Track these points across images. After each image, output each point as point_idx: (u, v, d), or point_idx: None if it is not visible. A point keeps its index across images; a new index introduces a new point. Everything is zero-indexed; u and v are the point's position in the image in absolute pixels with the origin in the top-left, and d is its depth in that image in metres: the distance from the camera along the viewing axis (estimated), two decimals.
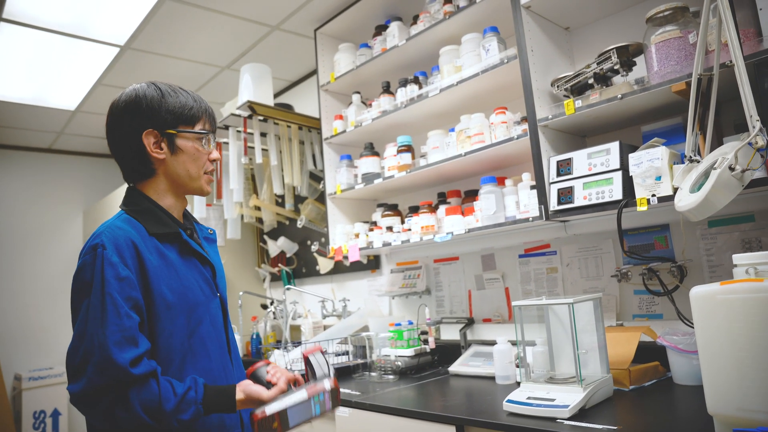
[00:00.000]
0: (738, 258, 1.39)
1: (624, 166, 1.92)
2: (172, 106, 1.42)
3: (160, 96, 1.42)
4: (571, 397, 1.68)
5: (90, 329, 1.22)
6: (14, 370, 5.14)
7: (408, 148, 2.84)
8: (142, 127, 1.39)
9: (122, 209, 1.43)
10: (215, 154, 1.52)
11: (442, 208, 2.64)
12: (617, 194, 1.90)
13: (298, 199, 3.95)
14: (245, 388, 1.36)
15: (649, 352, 2.04)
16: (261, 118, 3.49)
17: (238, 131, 3.60)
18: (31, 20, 3.22)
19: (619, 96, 1.91)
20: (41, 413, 4.96)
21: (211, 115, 1.52)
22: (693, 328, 1.42)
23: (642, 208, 1.82)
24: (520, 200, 2.33)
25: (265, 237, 4.36)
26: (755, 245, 1.93)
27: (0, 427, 4.55)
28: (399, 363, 2.63)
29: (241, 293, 3.95)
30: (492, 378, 2.32)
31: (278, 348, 3.05)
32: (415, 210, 2.83)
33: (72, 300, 1.29)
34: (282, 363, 2.84)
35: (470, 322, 2.82)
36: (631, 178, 1.87)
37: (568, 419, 1.62)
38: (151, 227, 1.39)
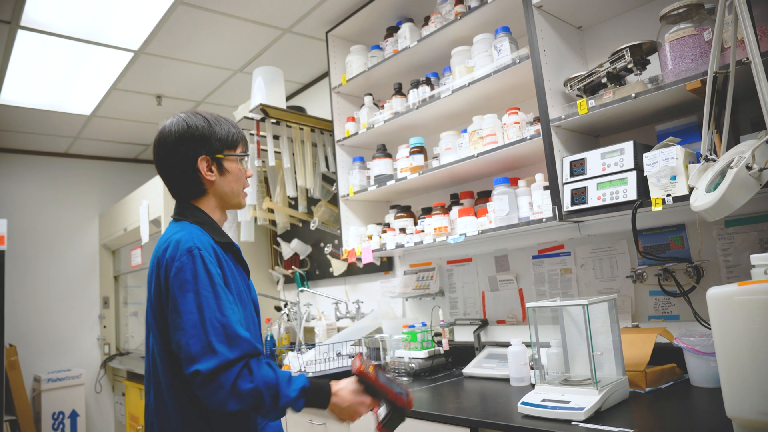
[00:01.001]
0: (756, 258, 1.37)
1: (638, 166, 1.90)
2: (219, 133, 1.58)
3: (208, 125, 1.57)
4: (587, 400, 1.67)
5: (207, 316, 1.33)
6: (34, 371, 5.20)
7: (420, 150, 2.83)
8: (197, 153, 1.54)
9: (184, 220, 1.54)
10: (250, 172, 1.68)
11: (455, 210, 2.63)
12: (632, 194, 1.88)
13: (311, 202, 3.95)
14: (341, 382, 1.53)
15: (666, 354, 2.02)
16: (273, 120, 3.50)
17: (251, 134, 3.61)
18: (48, 27, 3.27)
19: (633, 95, 1.89)
20: (60, 414, 5.02)
21: (245, 139, 1.68)
22: (710, 329, 1.40)
23: (657, 208, 1.80)
24: (533, 201, 2.32)
25: (279, 239, 4.37)
26: None
27: (21, 427, 4.62)
28: (413, 365, 2.62)
29: None
30: (506, 380, 2.31)
31: (292, 350, 3.06)
32: (428, 211, 2.82)
33: (174, 297, 1.36)
34: (296, 365, 2.85)
35: (484, 324, 2.81)
36: (645, 177, 1.86)
37: (584, 422, 1.61)
38: (215, 237, 1.53)
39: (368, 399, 1.50)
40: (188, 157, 1.54)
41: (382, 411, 1.52)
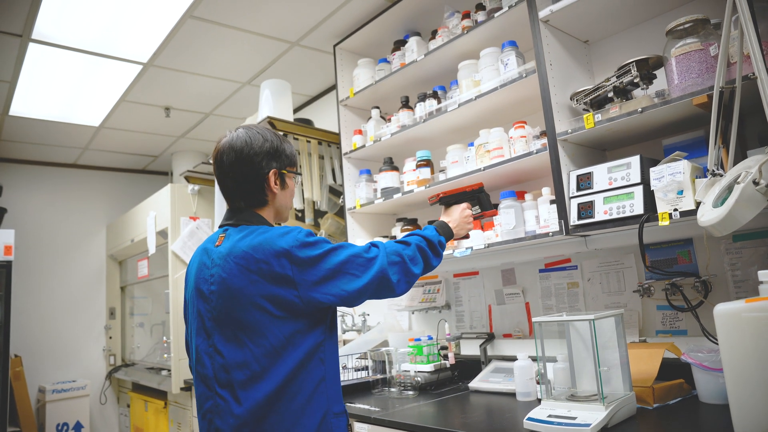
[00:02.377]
0: (763, 274, 1.36)
1: (645, 180, 1.90)
2: (288, 151, 1.73)
3: (279, 142, 1.71)
4: (593, 416, 1.65)
5: (352, 251, 1.58)
6: (38, 382, 5.21)
7: (427, 163, 2.84)
8: (270, 166, 1.67)
9: (252, 225, 1.64)
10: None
11: None
12: (638, 209, 1.87)
13: (318, 214, 3.96)
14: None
15: (674, 369, 2.00)
16: (281, 133, 3.51)
17: None
18: (58, 40, 3.31)
19: (640, 109, 1.89)
20: (64, 425, 5.02)
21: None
22: (718, 345, 1.39)
23: (664, 222, 1.80)
24: (540, 215, 2.32)
25: None
26: None
27: None
28: (419, 378, 2.61)
29: None
30: (513, 394, 2.30)
31: None
32: None
33: (313, 265, 1.53)
34: None
35: (490, 338, 2.80)
36: (652, 192, 1.85)
37: None
38: None
39: (464, 205, 2.03)
40: (262, 168, 1.66)
41: (476, 209, 2.10)
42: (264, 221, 1.68)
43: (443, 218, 1.99)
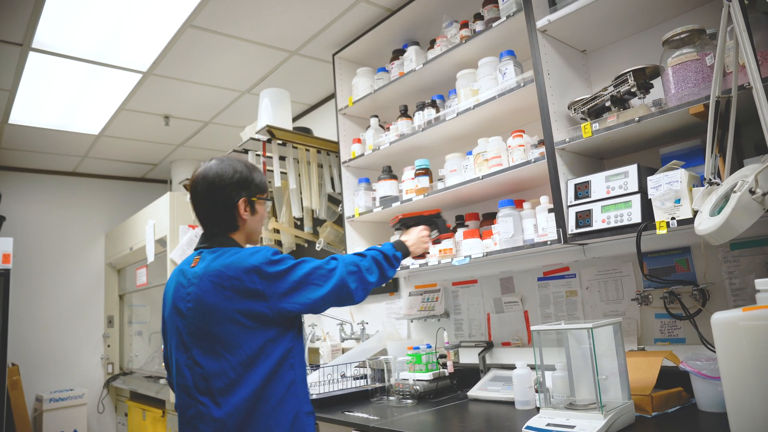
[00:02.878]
0: (761, 283, 1.37)
1: (642, 189, 1.90)
2: (257, 180, 1.88)
3: (249, 172, 1.86)
4: (592, 425, 1.65)
5: (314, 264, 1.75)
6: (36, 391, 5.19)
7: (426, 172, 2.85)
8: (239, 195, 1.82)
9: (226, 247, 1.78)
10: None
11: (460, 231, 2.64)
12: (636, 217, 1.88)
13: (317, 222, 3.96)
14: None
15: (672, 378, 2.00)
16: (280, 141, 3.52)
17: (258, 155, 3.64)
18: (58, 49, 3.32)
19: (637, 119, 1.90)
20: None
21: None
22: (716, 353, 1.40)
23: (661, 231, 1.80)
24: (538, 223, 2.32)
25: None
26: None
27: None
28: (417, 387, 2.61)
29: None
30: (511, 403, 2.29)
31: None
32: None
33: (282, 279, 1.68)
34: None
35: (489, 346, 2.80)
36: (649, 200, 1.86)
37: None
38: None
39: (422, 227, 2.20)
40: (231, 197, 1.80)
41: (434, 233, 2.27)
42: (235, 244, 1.82)
43: (402, 238, 2.16)
